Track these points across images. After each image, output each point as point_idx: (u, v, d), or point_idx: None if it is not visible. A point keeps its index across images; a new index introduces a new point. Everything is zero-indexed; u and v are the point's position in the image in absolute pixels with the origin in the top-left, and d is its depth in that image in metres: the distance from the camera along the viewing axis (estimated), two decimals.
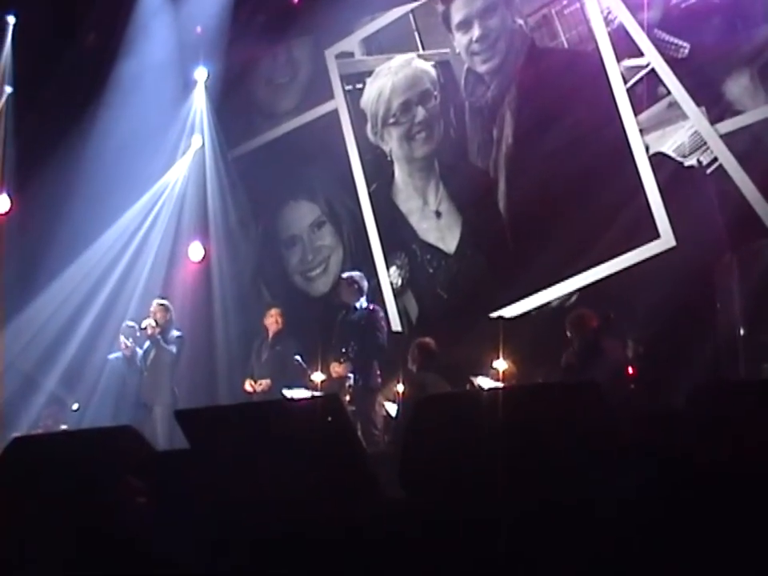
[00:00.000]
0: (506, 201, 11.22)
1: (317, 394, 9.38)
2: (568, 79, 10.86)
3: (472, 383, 9.18)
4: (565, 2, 10.97)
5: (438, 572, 3.42)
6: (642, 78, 10.37)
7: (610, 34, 10.57)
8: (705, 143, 9.97)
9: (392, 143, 12.09)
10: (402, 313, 11.81)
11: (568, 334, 8.79)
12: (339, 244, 12.72)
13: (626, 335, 9.07)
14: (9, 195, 12.39)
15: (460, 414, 3.78)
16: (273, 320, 10.75)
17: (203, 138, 13.24)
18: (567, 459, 3.37)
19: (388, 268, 11.96)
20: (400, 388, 9.51)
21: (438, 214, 11.74)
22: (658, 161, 10.22)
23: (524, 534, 3.30)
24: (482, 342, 9.78)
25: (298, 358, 10.45)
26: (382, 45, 12.33)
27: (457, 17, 11.65)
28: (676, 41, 10.21)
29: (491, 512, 3.39)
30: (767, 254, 9.10)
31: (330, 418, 3.85)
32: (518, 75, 11.23)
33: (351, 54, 12.61)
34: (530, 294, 10.76)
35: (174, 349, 10.74)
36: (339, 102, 12.61)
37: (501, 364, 9.17)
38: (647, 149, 10.27)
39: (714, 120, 9.97)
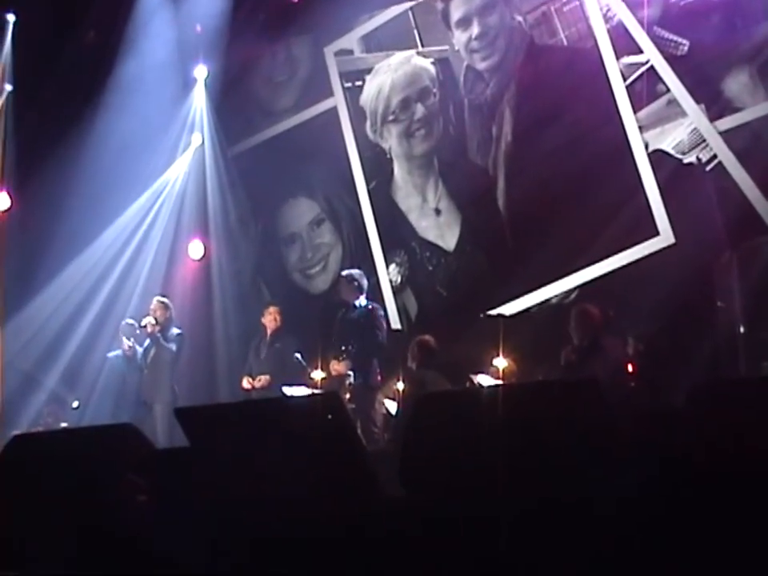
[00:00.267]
0: (506, 198, 11.22)
1: (316, 391, 9.38)
2: (567, 76, 10.85)
3: (472, 381, 9.17)
4: (564, 0, 10.97)
5: (438, 569, 3.43)
6: (641, 76, 10.36)
7: (609, 31, 10.57)
8: (704, 140, 9.96)
9: (391, 140, 12.08)
10: (402, 310, 11.81)
11: (571, 328, 8.77)
12: (338, 242, 12.71)
13: (626, 333, 9.06)
14: (9, 193, 12.38)
15: (460, 411, 3.79)
16: (271, 318, 10.75)
17: (203, 136, 13.24)
18: (567, 457, 3.37)
19: (387, 265, 11.96)
20: (400, 386, 9.51)
21: (438, 212, 11.74)
22: (658, 158, 10.21)
23: (524, 531, 3.31)
24: (481, 339, 9.77)
25: (297, 355, 10.45)
26: (382, 42, 12.32)
27: (456, 14, 11.65)
28: (675, 38, 10.20)
29: (491, 509, 3.39)
30: (767, 251, 9.10)
31: (329, 416, 3.85)
32: (517, 72, 11.22)
33: (350, 52, 12.60)
34: (530, 291, 10.76)
35: (174, 347, 10.74)
36: (338, 100, 12.60)
37: (501, 362, 9.17)
38: (646, 146, 10.27)
39: (713, 117, 9.96)
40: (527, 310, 10.79)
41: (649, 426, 3.57)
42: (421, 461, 3.70)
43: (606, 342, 8.61)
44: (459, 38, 11.60)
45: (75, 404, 11.48)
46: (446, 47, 11.72)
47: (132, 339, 10.98)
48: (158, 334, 10.71)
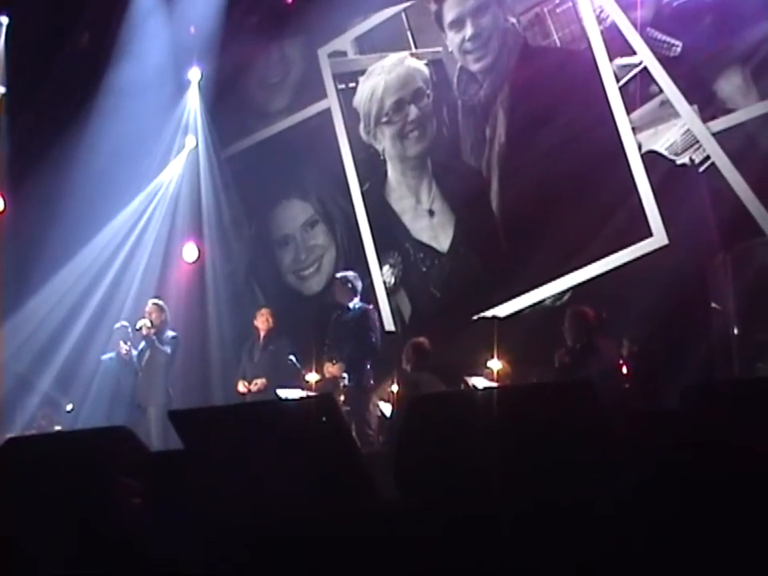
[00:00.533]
0: (499, 199, 11.23)
1: (311, 394, 9.38)
2: (560, 78, 10.87)
3: (466, 383, 9.17)
4: (557, 1, 10.99)
5: (433, 571, 3.43)
6: (634, 77, 10.38)
7: (602, 32, 10.58)
8: (697, 141, 9.98)
9: (385, 142, 12.09)
10: (395, 312, 11.81)
11: (565, 330, 8.76)
12: (332, 243, 12.71)
13: (621, 334, 9.07)
14: (3, 196, 12.35)
15: (454, 413, 3.79)
16: (263, 319, 10.73)
17: (197, 138, 13.23)
18: (561, 458, 3.37)
19: (381, 267, 11.96)
20: (394, 388, 9.50)
21: (431, 213, 11.75)
22: (651, 159, 10.23)
23: (519, 533, 3.31)
24: (476, 341, 9.79)
25: (292, 358, 10.44)
26: (375, 44, 12.33)
27: (449, 15, 11.66)
28: (668, 39, 10.22)
29: (486, 511, 3.39)
30: (761, 252, 9.12)
31: (324, 419, 3.85)
32: (510, 74, 11.24)
33: (344, 53, 12.61)
34: (523, 292, 10.77)
35: (168, 349, 10.72)
36: (332, 101, 12.61)
37: (495, 364, 9.17)
38: (640, 147, 10.28)
39: (706, 118, 9.98)
40: (521, 312, 10.80)
41: (643, 428, 3.57)
42: (415, 463, 3.70)
43: (600, 344, 8.61)
44: (452, 39, 11.61)
45: (69, 407, 11.45)
46: (440, 49, 11.73)
47: (128, 343, 10.96)
48: (153, 337, 10.68)
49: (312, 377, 9.78)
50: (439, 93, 11.71)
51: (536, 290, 10.71)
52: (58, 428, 11.18)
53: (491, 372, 9.21)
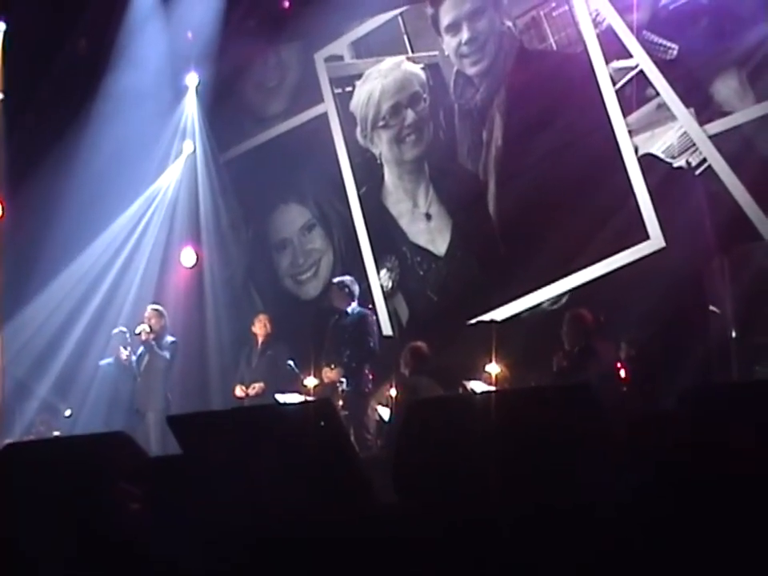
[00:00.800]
0: (496, 203, 11.24)
1: (309, 398, 9.38)
2: (557, 81, 10.88)
3: (465, 387, 9.18)
4: (553, 4, 10.99)
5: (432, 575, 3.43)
6: (630, 80, 10.39)
7: (598, 35, 10.60)
8: (694, 144, 9.99)
9: (382, 146, 12.09)
10: (393, 315, 11.81)
11: (563, 333, 8.76)
12: (329, 247, 12.72)
13: (619, 337, 9.07)
14: (1, 201, 12.34)
15: (452, 417, 3.79)
16: (261, 325, 10.73)
17: (195, 143, 13.23)
18: (560, 462, 3.37)
19: (378, 271, 11.97)
20: (393, 392, 9.51)
21: (428, 217, 11.75)
22: (647, 162, 10.24)
23: (517, 536, 3.31)
24: (473, 345, 9.80)
25: (290, 362, 10.44)
26: (372, 48, 12.34)
27: (445, 19, 11.67)
28: (664, 42, 10.23)
29: (484, 515, 3.40)
30: (758, 255, 9.13)
31: (322, 423, 3.85)
32: (507, 77, 11.25)
33: (341, 58, 12.61)
34: (521, 296, 10.77)
35: (168, 354, 10.72)
36: (329, 106, 12.61)
37: (493, 367, 9.18)
38: (636, 150, 10.29)
39: (702, 121, 9.99)
40: (518, 315, 10.81)
41: (642, 430, 3.57)
42: (414, 467, 3.70)
43: (598, 347, 8.61)
44: (449, 43, 11.62)
45: (68, 412, 11.46)
46: (436, 52, 11.74)
47: (128, 348, 10.95)
48: (153, 342, 10.68)
49: (310, 381, 9.80)
50: (436, 97, 11.71)
51: (533, 294, 10.71)
52: (56, 433, 11.15)
53: (489, 376, 9.22)
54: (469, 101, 11.48)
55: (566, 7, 10.87)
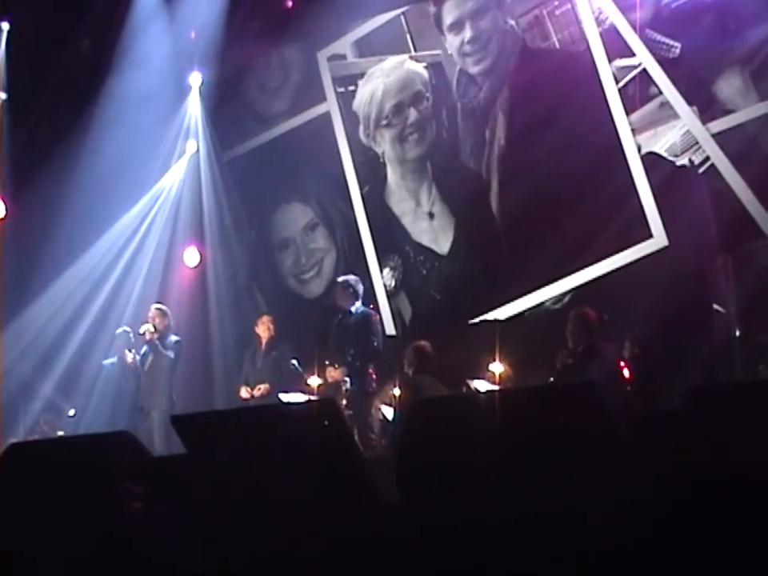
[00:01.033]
0: (499, 201, 11.23)
1: (313, 398, 9.38)
2: (560, 80, 10.87)
3: (468, 386, 9.17)
4: (556, 3, 10.99)
5: (435, 575, 3.43)
6: (633, 78, 10.39)
7: (601, 34, 10.59)
8: (696, 142, 9.98)
9: (384, 145, 12.09)
10: (396, 315, 11.81)
11: (567, 331, 8.74)
12: (332, 246, 12.71)
13: (622, 336, 9.06)
14: (4, 201, 12.35)
15: (456, 416, 3.79)
16: (264, 327, 10.73)
17: (198, 143, 13.23)
18: (564, 461, 3.37)
19: (381, 270, 11.96)
20: (396, 392, 9.50)
21: (431, 216, 11.75)
22: (650, 161, 10.24)
23: (521, 536, 3.31)
24: (477, 344, 9.79)
25: (294, 362, 10.44)
26: (374, 47, 12.33)
27: (448, 18, 11.66)
28: (667, 41, 10.23)
29: (488, 514, 3.39)
30: (762, 255, 9.12)
31: (326, 423, 3.85)
32: (510, 76, 11.25)
33: (343, 57, 12.61)
34: (524, 294, 10.77)
35: (172, 354, 10.71)
36: (331, 105, 12.61)
37: (497, 366, 9.17)
38: (639, 149, 10.29)
39: (705, 119, 9.98)
40: (521, 314, 10.80)
41: (645, 430, 3.57)
42: (417, 467, 3.70)
43: (602, 346, 8.60)
44: (452, 42, 11.61)
45: (71, 412, 11.47)
46: (439, 51, 11.74)
47: (133, 351, 10.95)
48: (157, 342, 10.68)
49: (314, 381, 9.80)
50: (439, 95, 11.71)
51: (536, 293, 10.71)
52: (60, 433, 11.17)
53: (493, 375, 9.21)
54: (472, 99, 11.48)
55: (569, 5, 10.86)
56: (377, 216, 12.14)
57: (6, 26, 12.34)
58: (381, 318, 11.07)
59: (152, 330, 10.71)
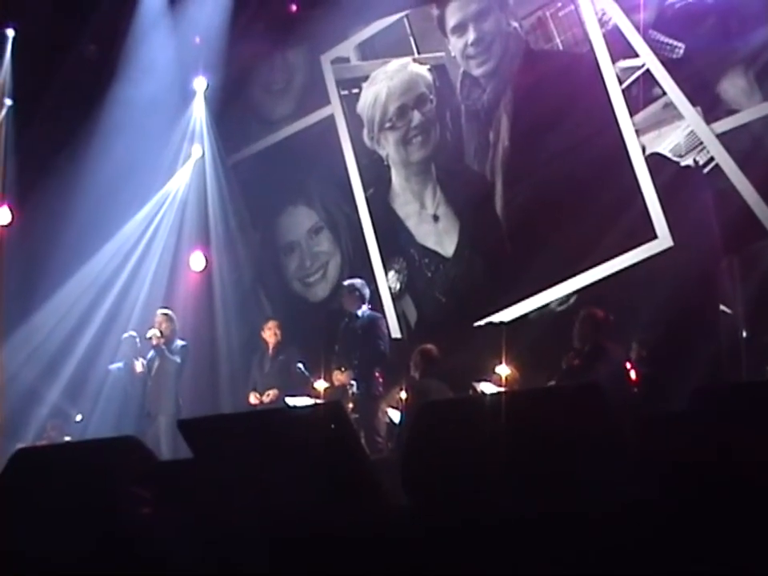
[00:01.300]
0: (504, 203, 11.24)
1: (320, 402, 9.38)
2: (563, 81, 10.88)
3: (475, 389, 9.17)
4: (559, 5, 11.00)
5: None
6: (637, 79, 10.40)
7: (604, 35, 10.60)
8: (701, 143, 9.98)
9: (389, 148, 12.10)
10: (401, 317, 11.81)
11: (574, 332, 8.71)
12: (337, 249, 12.72)
13: (629, 337, 9.06)
14: (10, 207, 12.37)
15: (462, 419, 3.79)
16: (271, 333, 10.71)
17: (203, 147, 13.24)
18: (570, 463, 3.37)
19: (386, 273, 11.97)
20: (403, 395, 9.50)
21: (436, 218, 11.75)
22: (655, 161, 10.24)
23: (527, 538, 3.31)
24: (482, 346, 9.79)
25: (300, 366, 10.44)
26: (378, 50, 12.35)
27: (452, 21, 11.68)
28: (671, 41, 10.23)
29: (494, 517, 3.39)
30: None
31: (333, 426, 3.85)
32: (513, 78, 11.26)
33: (347, 60, 12.63)
34: (529, 296, 10.77)
35: (178, 359, 10.71)
36: (335, 108, 12.62)
37: (503, 369, 9.17)
38: (643, 149, 10.29)
39: (709, 120, 9.99)
40: (526, 316, 10.80)
41: (652, 431, 3.57)
42: (424, 470, 3.70)
43: (609, 347, 8.59)
44: (455, 44, 11.63)
45: (78, 417, 11.48)
46: (442, 54, 11.75)
47: (141, 359, 10.95)
48: (163, 347, 10.68)
49: (321, 384, 9.80)
50: (442, 98, 11.72)
51: (541, 294, 10.71)
52: (67, 438, 11.17)
53: (499, 377, 9.20)
54: (475, 102, 11.48)
55: (572, 7, 10.87)
56: (381, 219, 12.15)
57: (11, 32, 12.37)
58: (386, 321, 11.08)
59: (158, 334, 10.70)
